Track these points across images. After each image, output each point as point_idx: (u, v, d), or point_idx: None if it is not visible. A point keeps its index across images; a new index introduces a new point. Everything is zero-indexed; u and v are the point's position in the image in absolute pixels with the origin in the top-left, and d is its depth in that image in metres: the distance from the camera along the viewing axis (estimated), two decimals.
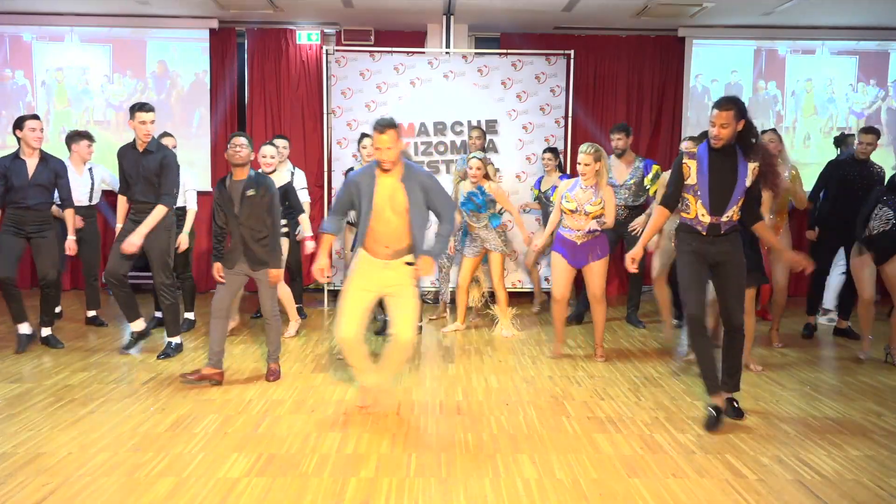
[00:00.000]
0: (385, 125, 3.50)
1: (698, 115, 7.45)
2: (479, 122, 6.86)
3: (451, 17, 7.10)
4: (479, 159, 5.35)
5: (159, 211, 4.65)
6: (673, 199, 3.74)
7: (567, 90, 6.99)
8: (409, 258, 3.69)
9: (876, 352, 5.05)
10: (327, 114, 6.95)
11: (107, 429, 3.53)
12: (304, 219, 5.39)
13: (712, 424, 3.62)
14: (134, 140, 4.71)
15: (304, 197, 5.65)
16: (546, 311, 6.32)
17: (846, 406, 4.04)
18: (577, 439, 3.48)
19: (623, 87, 7.58)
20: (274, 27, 7.41)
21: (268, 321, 4.36)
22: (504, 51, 7.11)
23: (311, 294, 7.16)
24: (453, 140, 6.88)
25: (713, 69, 7.58)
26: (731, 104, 3.48)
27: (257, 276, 4.28)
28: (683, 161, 3.66)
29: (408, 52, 6.99)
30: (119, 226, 4.88)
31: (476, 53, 7.07)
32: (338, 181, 6.80)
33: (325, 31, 7.51)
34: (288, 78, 7.43)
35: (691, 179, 3.63)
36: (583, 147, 4.78)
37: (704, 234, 3.62)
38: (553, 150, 6.34)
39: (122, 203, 4.93)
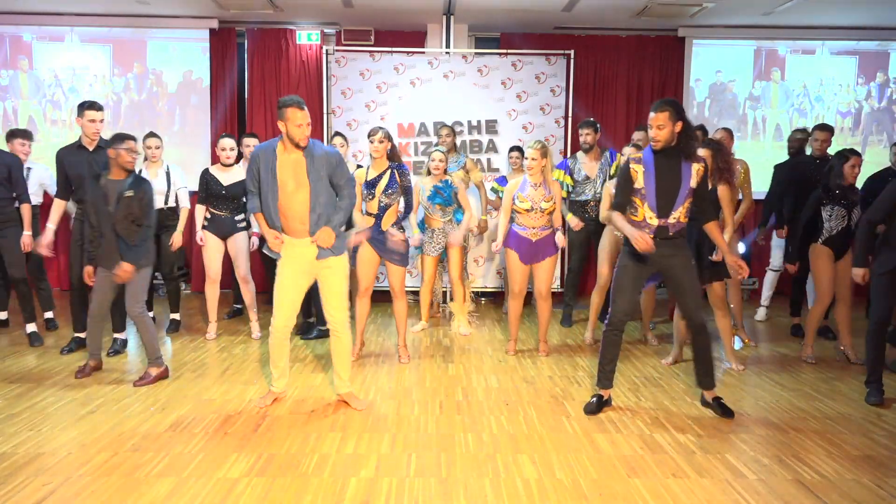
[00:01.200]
0: (303, 102, 3.57)
1: (709, 114, 7.55)
2: (478, 121, 6.87)
3: (451, 17, 7.10)
4: (443, 153, 5.39)
5: None
6: (622, 206, 3.79)
7: (567, 90, 6.99)
8: (310, 238, 3.69)
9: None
10: (327, 114, 6.95)
11: (107, 429, 3.53)
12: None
13: (592, 410, 3.86)
14: (80, 139, 4.76)
15: None
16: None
17: (846, 406, 4.03)
18: (577, 439, 3.48)
19: (623, 87, 7.58)
20: (274, 27, 7.41)
21: (135, 321, 4.29)
22: (504, 51, 7.11)
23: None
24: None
25: (713, 69, 7.60)
26: (666, 106, 3.54)
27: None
28: (630, 166, 3.71)
29: (408, 52, 6.99)
30: (52, 227, 4.77)
31: (476, 53, 7.07)
32: None
33: (325, 31, 7.51)
34: (288, 78, 7.43)
35: (638, 183, 3.68)
36: (530, 143, 4.87)
37: (652, 236, 3.65)
38: (519, 149, 6.21)
39: (58, 206, 4.81)
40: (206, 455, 3.23)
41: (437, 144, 6.33)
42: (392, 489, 2.92)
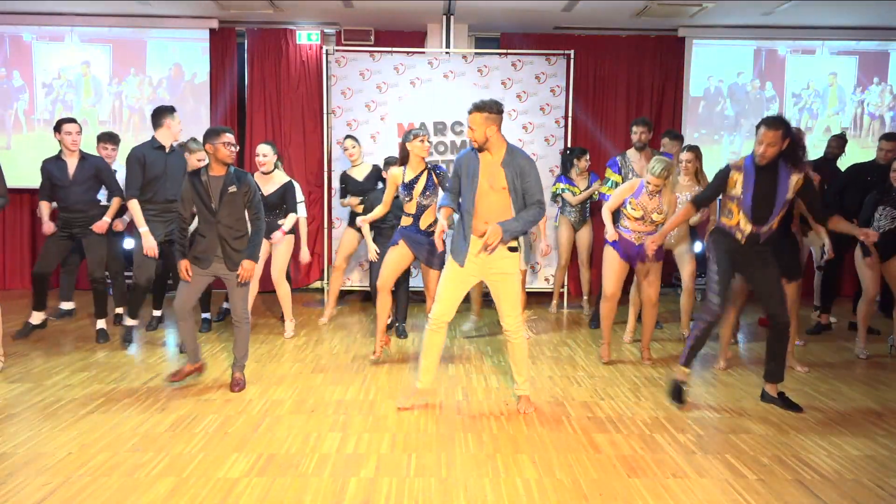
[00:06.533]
0: (477, 107, 3.80)
1: (710, 114, 7.57)
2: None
3: (451, 17, 7.10)
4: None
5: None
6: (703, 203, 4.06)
7: (567, 90, 6.99)
8: (514, 243, 3.76)
9: (872, 349, 5.13)
10: (327, 114, 6.95)
11: (107, 429, 3.53)
12: (291, 217, 5.35)
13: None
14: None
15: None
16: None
17: (846, 405, 4.04)
18: (577, 439, 3.48)
19: (623, 87, 7.59)
20: (274, 27, 7.41)
21: (238, 324, 4.14)
22: (504, 51, 7.11)
23: (311, 294, 7.16)
24: (453, 140, 6.88)
25: (713, 69, 7.60)
26: (780, 124, 3.66)
27: (229, 277, 4.10)
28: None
29: (408, 52, 6.99)
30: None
31: (476, 53, 7.07)
32: (338, 181, 6.79)
33: (325, 31, 7.51)
34: (288, 78, 7.44)
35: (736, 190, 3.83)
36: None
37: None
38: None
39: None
40: (206, 455, 3.23)
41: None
42: (392, 489, 2.92)
